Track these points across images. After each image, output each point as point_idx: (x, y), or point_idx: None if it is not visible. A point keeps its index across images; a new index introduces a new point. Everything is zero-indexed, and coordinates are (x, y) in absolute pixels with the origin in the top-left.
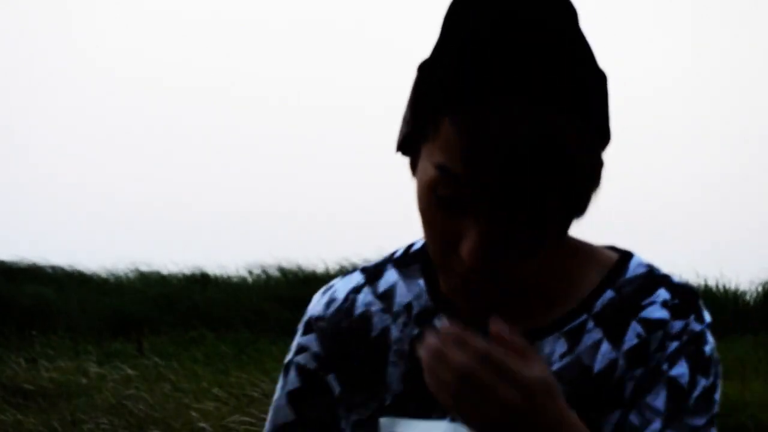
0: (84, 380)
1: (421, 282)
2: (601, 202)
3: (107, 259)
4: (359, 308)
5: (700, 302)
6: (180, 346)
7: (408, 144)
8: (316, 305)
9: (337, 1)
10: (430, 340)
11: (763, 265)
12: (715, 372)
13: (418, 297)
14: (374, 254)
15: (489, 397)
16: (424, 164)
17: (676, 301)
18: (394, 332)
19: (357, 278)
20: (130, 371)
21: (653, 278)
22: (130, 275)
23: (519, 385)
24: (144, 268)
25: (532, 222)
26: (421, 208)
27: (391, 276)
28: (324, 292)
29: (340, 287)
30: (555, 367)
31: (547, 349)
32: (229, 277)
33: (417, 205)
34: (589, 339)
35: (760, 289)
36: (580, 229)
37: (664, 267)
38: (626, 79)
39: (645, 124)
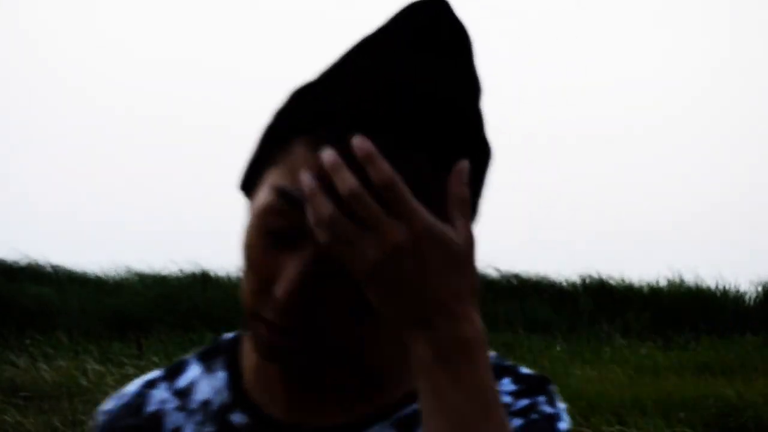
0: (84, 380)
1: (223, 375)
2: (600, 200)
3: (107, 259)
4: (152, 406)
5: (552, 389)
6: (180, 347)
7: (250, 177)
8: (108, 399)
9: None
10: (328, 156)
11: (763, 265)
12: None
13: (218, 392)
14: None
15: (369, 230)
16: (262, 193)
17: (523, 386)
18: None
19: (155, 373)
20: (130, 371)
21: (498, 368)
22: (130, 276)
23: (408, 224)
24: (144, 269)
25: None
26: (246, 245)
27: (193, 371)
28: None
29: (136, 382)
30: None
31: None
32: (229, 277)
33: (242, 244)
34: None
35: (760, 289)
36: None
37: (665, 268)
38: (629, 81)
39: (647, 126)
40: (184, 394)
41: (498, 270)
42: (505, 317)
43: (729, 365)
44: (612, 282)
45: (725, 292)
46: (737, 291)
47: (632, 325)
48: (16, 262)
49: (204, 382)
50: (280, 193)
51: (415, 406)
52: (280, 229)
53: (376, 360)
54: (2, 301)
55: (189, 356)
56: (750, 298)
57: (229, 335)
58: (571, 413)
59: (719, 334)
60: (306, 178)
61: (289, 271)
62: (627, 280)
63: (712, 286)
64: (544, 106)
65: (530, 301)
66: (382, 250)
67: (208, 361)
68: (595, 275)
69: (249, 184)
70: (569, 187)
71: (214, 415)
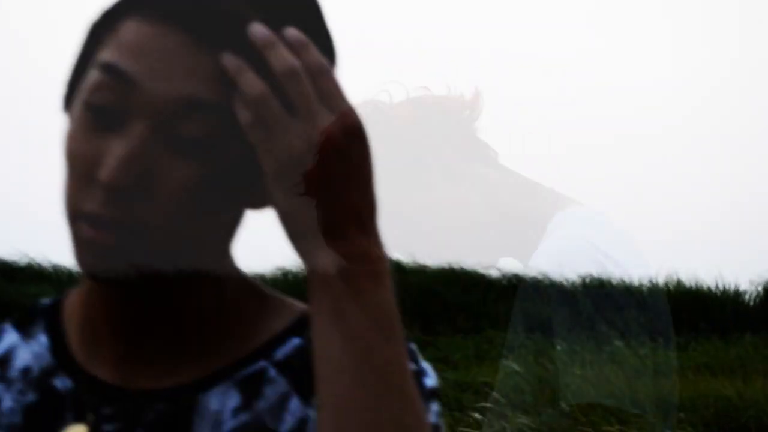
0: None
1: (44, 339)
2: (600, 200)
3: None
4: None
5: (413, 347)
6: None
7: (75, 82)
8: None
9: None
10: (257, 31)
11: (763, 265)
12: (437, 412)
13: (38, 357)
14: None
15: (299, 117)
16: (86, 80)
17: None
18: (7, 402)
19: None
20: None
21: None
22: None
23: (342, 116)
24: None
25: (196, 147)
26: (68, 136)
27: (9, 338)
28: None
29: None
30: (227, 427)
31: (214, 405)
32: None
33: (63, 140)
34: (272, 392)
35: (760, 289)
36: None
37: (664, 267)
38: (630, 83)
39: (647, 128)
40: (1, 363)
41: (498, 270)
42: (505, 317)
43: (729, 365)
44: (612, 282)
45: (725, 292)
46: (737, 291)
47: (632, 325)
48: (15, 262)
49: (23, 349)
50: (107, 67)
51: (262, 363)
52: (107, 104)
53: (215, 318)
54: (2, 301)
55: (2, 324)
56: (750, 298)
57: (47, 300)
58: (571, 413)
59: (719, 334)
60: (229, 57)
61: (116, 150)
62: (627, 280)
63: (712, 286)
64: (544, 106)
65: (530, 301)
66: (312, 140)
67: (25, 327)
68: (595, 275)
69: (74, 94)
70: (569, 186)
71: (36, 381)
